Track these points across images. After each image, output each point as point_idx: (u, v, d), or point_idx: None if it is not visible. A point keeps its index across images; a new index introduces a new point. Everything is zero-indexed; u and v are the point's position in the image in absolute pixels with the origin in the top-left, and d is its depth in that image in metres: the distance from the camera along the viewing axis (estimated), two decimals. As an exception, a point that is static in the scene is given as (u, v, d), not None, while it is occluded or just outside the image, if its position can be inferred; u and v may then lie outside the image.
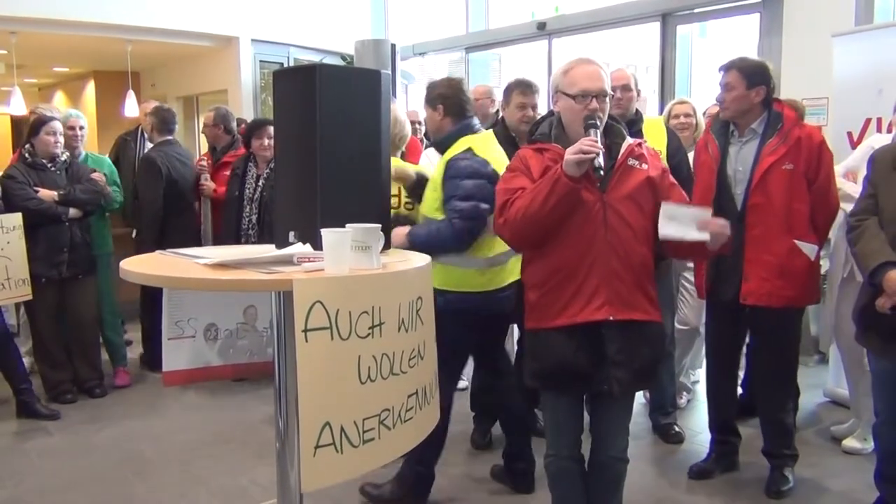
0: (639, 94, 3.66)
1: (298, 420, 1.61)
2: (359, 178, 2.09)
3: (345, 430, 1.66)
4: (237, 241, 4.52)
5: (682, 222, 2.26)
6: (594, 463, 2.46)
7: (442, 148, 2.95)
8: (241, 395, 4.43)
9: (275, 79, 2.24)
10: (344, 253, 1.74)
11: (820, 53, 4.91)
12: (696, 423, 4.02)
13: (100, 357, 4.64)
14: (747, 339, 3.45)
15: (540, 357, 2.36)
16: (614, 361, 2.28)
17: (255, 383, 4.48)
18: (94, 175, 4.46)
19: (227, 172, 4.95)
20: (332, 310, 1.63)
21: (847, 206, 3.09)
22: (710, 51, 7.42)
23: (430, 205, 2.89)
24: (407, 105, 8.67)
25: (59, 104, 13.23)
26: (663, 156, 3.48)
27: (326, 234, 1.73)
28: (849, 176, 3.60)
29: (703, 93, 6.47)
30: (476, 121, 2.99)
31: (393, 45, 8.06)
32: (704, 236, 2.25)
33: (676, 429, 3.82)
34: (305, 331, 1.59)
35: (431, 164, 3.61)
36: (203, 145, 6.19)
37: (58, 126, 4.28)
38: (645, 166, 2.35)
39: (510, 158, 2.57)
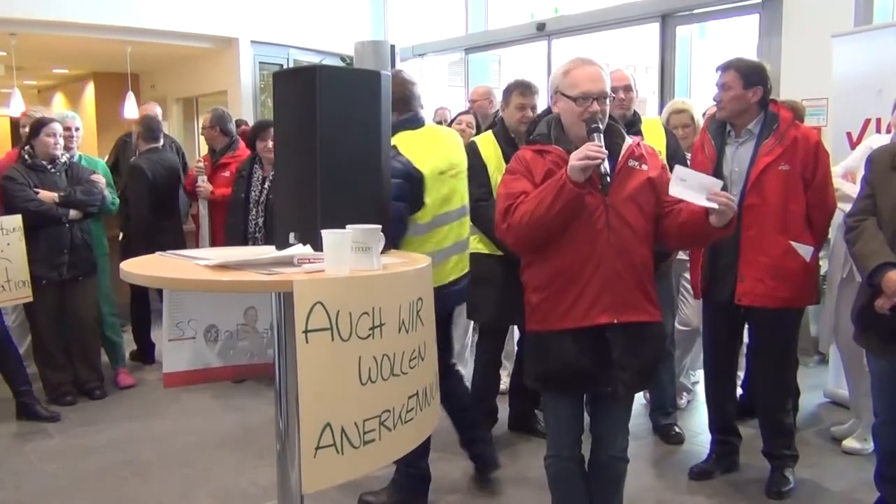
0: (636, 95, 3.67)
1: (299, 421, 1.61)
2: (359, 179, 2.09)
3: (345, 431, 1.66)
4: (244, 244, 4.52)
5: (692, 187, 2.23)
6: (594, 463, 2.47)
7: None
8: (241, 397, 4.43)
9: (275, 80, 2.24)
10: (344, 254, 1.74)
11: (819, 54, 4.91)
12: (697, 424, 4.02)
13: (100, 358, 4.65)
14: (746, 340, 3.45)
15: (543, 359, 2.37)
16: (619, 363, 2.29)
17: (255, 384, 4.48)
18: (94, 176, 4.47)
19: (226, 174, 4.98)
20: (333, 311, 1.63)
21: (845, 207, 3.09)
22: (710, 51, 7.41)
23: None
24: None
25: (58, 106, 13.25)
26: (663, 157, 3.48)
27: (327, 235, 1.74)
28: (847, 176, 3.60)
29: (702, 94, 6.46)
30: (422, 114, 2.98)
31: (392, 47, 8.04)
32: (713, 205, 2.21)
33: (677, 429, 3.82)
34: (306, 332, 1.59)
35: None
36: (203, 147, 6.20)
37: (58, 128, 4.28)
38: (645, 167, 2.36)
39: (509, 160, 2.56)
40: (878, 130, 4.02)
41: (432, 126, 3.12)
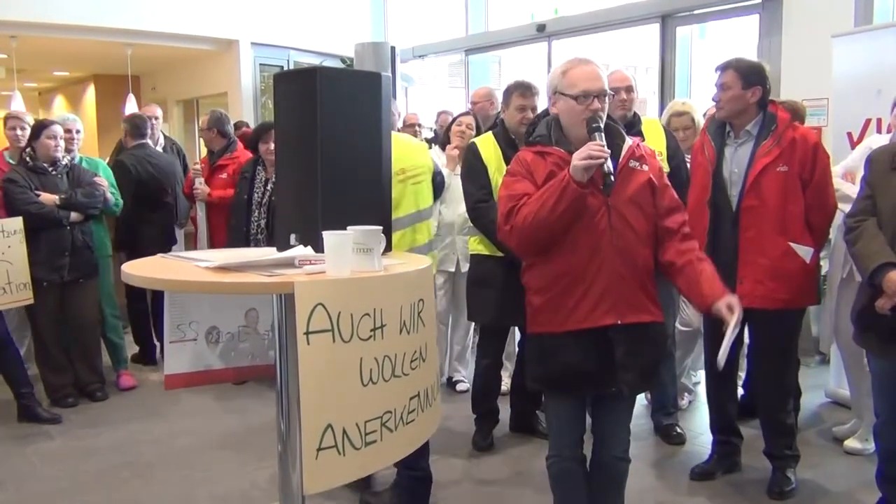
0: (637, 96, 3.67)
1: (300, 422, 1.61)
2: (360, 180, 2.09)
3: (347, 433, 1.66)
4: (247, 246, 4.52)
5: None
6: (596, 463, 2.47)
7: None
8: (242, 398, 4.42)
9: (275, 82, 2.24)
10: (345, 255, 1.74)
11: (819, 54, 4.91)
12: (698, 425, 4.01)
13: (101, 360, 4.65)
14: (747, 340, 3.45)
15: (546, 361, 2.36)
16: (622, 364, 2.29)
17: (256, 386, 4.48)
18: (97, 179, 4.47)
19: (223, 176, 5.01)
20: (334, 312, 1.63)
21: (845, 207, 3.08)
22: (710, 52, 7.41)
23: None
24: (407, 108, 8.69)
25: (59, 108, 13.28)
26: (663, 157, 3.49)
27: (328, 236, 1.74)
28: (847, 177, 3.60)
29: (702, 94, 6.46)
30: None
31: (393, 48, 8.06)
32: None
33: (678, 430, 3.82)
34: (307, 333, 1.60)
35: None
36: (203, 149, 6.21)
37: (59, 130, 4.29)
38: (645, 167, 2.36)
39: (509, 161, 2.56)
40: (878, 130, 4.02)
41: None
